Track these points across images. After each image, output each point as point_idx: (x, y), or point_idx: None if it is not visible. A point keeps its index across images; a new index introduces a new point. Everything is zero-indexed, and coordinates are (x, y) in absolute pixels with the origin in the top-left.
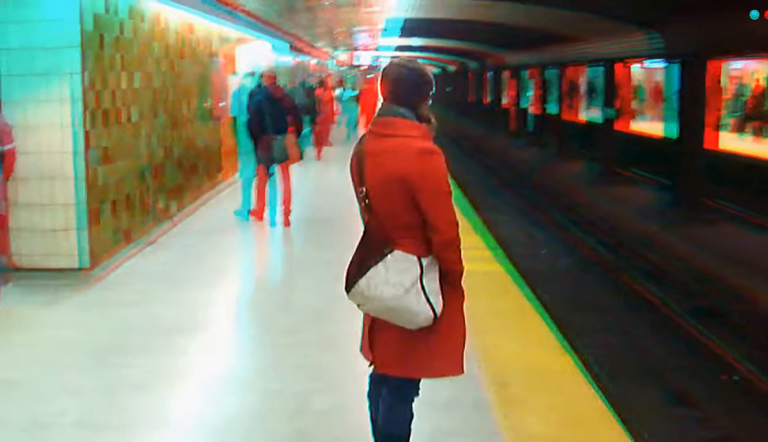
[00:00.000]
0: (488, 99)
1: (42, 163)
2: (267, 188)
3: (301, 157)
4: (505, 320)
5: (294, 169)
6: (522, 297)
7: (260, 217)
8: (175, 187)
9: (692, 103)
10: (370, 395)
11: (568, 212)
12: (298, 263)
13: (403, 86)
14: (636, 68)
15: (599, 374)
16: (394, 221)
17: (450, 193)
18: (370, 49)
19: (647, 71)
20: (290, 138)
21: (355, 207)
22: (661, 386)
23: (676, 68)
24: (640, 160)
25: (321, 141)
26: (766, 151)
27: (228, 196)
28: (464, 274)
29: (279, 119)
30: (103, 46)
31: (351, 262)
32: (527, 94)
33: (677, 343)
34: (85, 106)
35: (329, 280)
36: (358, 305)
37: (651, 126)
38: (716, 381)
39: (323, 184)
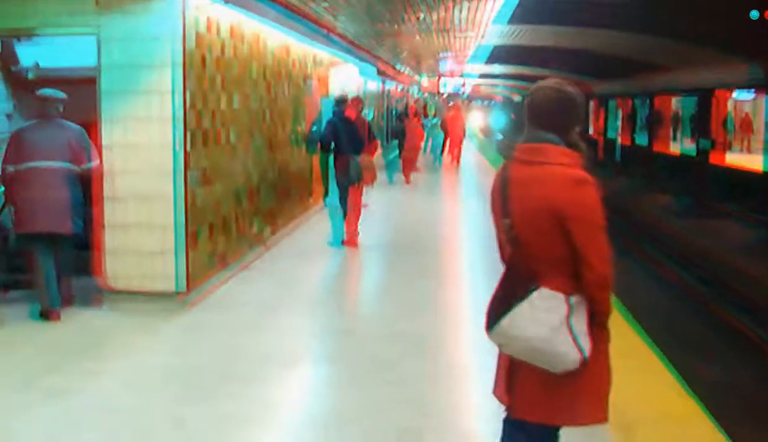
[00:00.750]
0: None
1: (141, 183)
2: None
3: (374, 178)
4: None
5: (382, 192)
6: (634, 334)
7: (353, 244)
8: (268, 211)
9: None
10: (503, 441)
11: (657, 243)
12: (391, 290)
13: (553, 110)
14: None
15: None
16: (541, 255)
17: (604, 226)
18: (455, 76)
19: (735, 103)
20: (365, 158)
21: (445, 230)
22: None
23: None
24: (737, 194)
25: (409, 166)
26: None
27: (318, 221)
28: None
29: (354, 139)
30: (205, 66)
31: (493, 298)
32: (615, 124)
33: None
34: (186, 126)
35: (425, 309)
36: (500, 346)
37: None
38: None
39: (411, 208)
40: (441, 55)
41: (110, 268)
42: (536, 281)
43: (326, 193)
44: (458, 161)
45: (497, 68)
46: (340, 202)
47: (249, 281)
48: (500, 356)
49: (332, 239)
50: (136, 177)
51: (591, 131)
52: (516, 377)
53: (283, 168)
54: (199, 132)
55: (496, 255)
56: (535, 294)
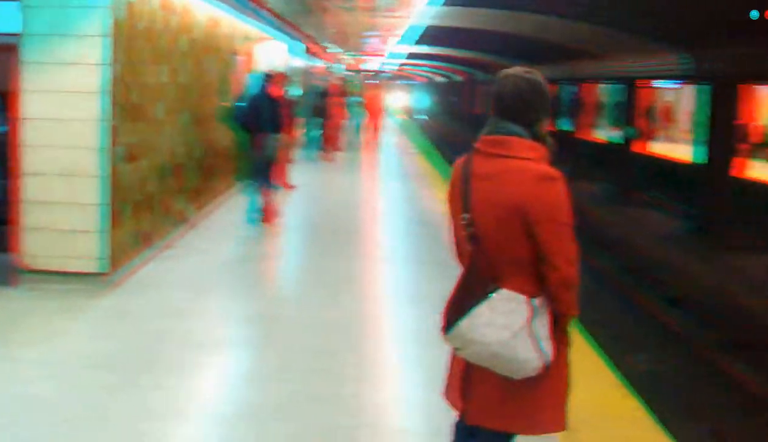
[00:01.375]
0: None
1: (64, 159)
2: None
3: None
4: None
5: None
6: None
7: (269, 222)
8: (193, 188)
9: (723, 128)
10: None
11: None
12: (314, 272)
13: (521, 101)
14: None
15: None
16: (503, 254)
17: (572, 225)
18: (380, 55)
19: (657, 92)
20: (283, 137)
21: (367, 211)
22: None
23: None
24: (660, 184)
25: (331, 144)
26: None
27: (243, 199)
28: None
29: (274, 117)
30: (134, 37)
31: (450, 299)
32: None
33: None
34: (114, 100)
35: (350, 293)
36: (456, 349)
37: (666, 148)
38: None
39: (333, 187)
40: (368, 33)
41: (28, 246)
42: (497, 281)
43: (242, 171)
44: (377, 140)
45: (425, 49)
46: (257, 179)
47: (173, 260)
48: (453, 358)
49: (247, 217)
50: (59, 152)
51: None
52: (471, 382)
53: (209, 145)
54: (127, 106)
55: (418, 239)
56: (495, 296)
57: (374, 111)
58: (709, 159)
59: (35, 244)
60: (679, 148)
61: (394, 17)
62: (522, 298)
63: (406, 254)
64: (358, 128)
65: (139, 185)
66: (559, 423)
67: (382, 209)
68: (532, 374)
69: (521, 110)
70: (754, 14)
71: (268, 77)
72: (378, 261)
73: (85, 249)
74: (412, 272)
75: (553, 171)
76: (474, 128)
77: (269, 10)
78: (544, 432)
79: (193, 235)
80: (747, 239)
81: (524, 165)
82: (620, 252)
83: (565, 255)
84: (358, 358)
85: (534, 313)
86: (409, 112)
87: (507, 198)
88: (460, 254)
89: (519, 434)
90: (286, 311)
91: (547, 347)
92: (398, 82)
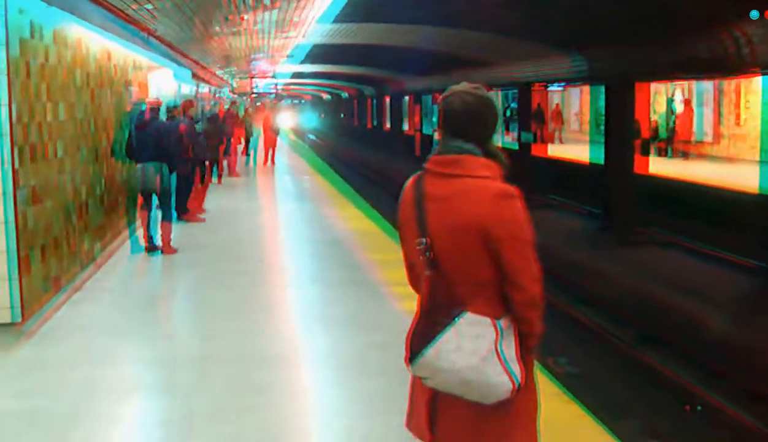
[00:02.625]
0: (388, 125)
1: None
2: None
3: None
4: None
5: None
6: None
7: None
8: (97, 226)
9: (620, 126)
10: None
11: None
12: (224, 304)
13: (471, 118)
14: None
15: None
16: (464, 277)
17: (533, 242)
18: (266, 76)
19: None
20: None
21: (269, 236)
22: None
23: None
24: (560, 186)
25: (229, 169)
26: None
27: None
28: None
29: (148, 146)
30: (29, 74)
31: (413, 327)
32: (433, 120)
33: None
34: (13, 142)
35: (265, 328)
36: (424, 379)
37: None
38: (681, 412)
39: (234, 212)
40: (255, 55)
41: None
42: (460, 305)
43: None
44: (273, 161)
45: (311, 67)
46: (144, 209)
47: (84, 303)
48: (416, 385)
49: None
50: None
51: (406, 127)
52: (439, 409)
53: (110, 180)
54: (26, 147)
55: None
56: (460, 320)
57: (267, 133)
58: (607, 158)
59: None
60: (573, 149)
61: (281, 38)
62: (487, 321)
63: (315, 275)
64: (252, 151)
65: (45, 228)
66: None
67: (286, 232)
68: (504, 397)
69: (471, 127)
70: (754, 14)
71: (154, 108)
72: (287, 286)
73: None
74: (321, 293)
75: (510, 188)
76: (365, 144)
77: (159, 38)
78: None
79: (101, 274)
80: (651, 234)
81: (480, 184)
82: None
83: (529, 274)
84: (297, 390)
85: (500, 335)
86: (298, 131)
87: (466, 219)
88: (415, 280)
89: None
90: (202, 349)
91: (516, 368)
92: (286, 102)
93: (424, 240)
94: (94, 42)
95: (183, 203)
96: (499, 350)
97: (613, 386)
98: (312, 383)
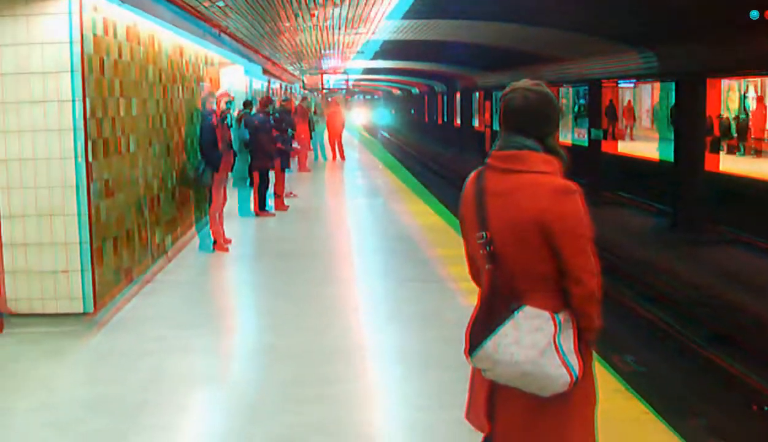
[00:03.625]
0: (458, 121)
1: (41, 199)
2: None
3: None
4: None
5: None
6: None
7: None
8: (169, 220)
9: (691, 123)
10: None
11: None
12: (295, 302)
13: (532, 115)
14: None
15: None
16: (524, 271)
17: (592, 238)
18: (338, 72)
19: (620, 91)
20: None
21: (342, 235)
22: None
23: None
24: (630, 183)
25: (299, 164)
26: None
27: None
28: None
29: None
30: (103, 70)
31: (473, 320)
32: None
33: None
34: (87, 136)
35: (345, 320)
36: (484, 371)
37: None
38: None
39: (305, 207)
40: (325, 51)
41: (10, 290)
42: (519, 298)
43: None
44: (342, 157)
45: (382, 64)
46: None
47: (155, 294)
48: (476, 378)
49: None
50: (35, 192)
51: (476, 123)
52: (497, 401)
53: (181, 174)
54: (100, 141)
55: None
56: (519, 313)
57: (334, 128)
58: (678, 155)
59: (17, 287)
60: (644, 146)
61: (351, 34)
62: (546, 314)
63: (384, 270)
64: (321, 146)
65: (117, 220)
66: (589, 438)
67: (356, 228)
68: (561, 390)
69: (532, 123)
70: (754, 14)
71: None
72: (356, 281)
73: (68, 289)
74: (390, 288)
75: (570, 184)
76: (435, 140)
77: (231, 35)
78: None
79: (172, 267)
80: (721, 232)
81: (540, 179)
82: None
83: (588, 268)
84: (363, 384)
85: (558, 328)
86: (371, 128)
87: (525, 214)
88: (476, 273)
89: None
90: (269, 342)
91: (574, 362)
92: (358, 98)
93: (484, 234)
94: (166, 38)
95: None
96: (557, 343)
97: (678, 384)
98: (378, 377)
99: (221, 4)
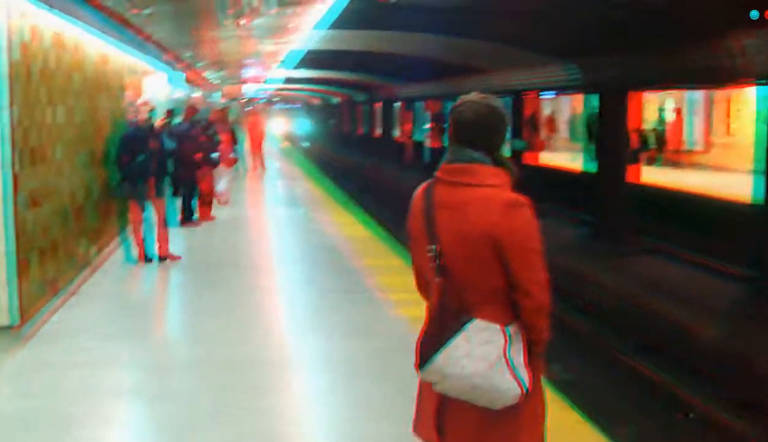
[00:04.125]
0: (379, 132)
1: None
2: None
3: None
4: None
5: None
6: None
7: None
8: (93, 229)
9: (613, 135)
10: None
11: None
12: (221, 312)
13: (482, 128)
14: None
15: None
16: (474, 284)
17: (542, 251)
18: (259, 81)
19: (540, 103)
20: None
21: (267, 244)
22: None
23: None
24: (552, 194)
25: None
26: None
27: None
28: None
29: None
30: (30, 78)
31: (423, 333)
32: (424, 127)
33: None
34: (14, 145)
35: (262, 329)
36: (434, 384)
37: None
38: (673, 420)
39: (225, 219)
40: (247, 60)
41: None
42: (469, 311)
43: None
44: (263, 166)
45: (304, 73)
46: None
47: (80, 306)
48: (423, 390)
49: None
50: None
51: (397, 134)
52: (447, 414)
53: (105, 183)
54: (27, 150)
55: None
56: (469, 326)
57: (256, 138)
58: (600, 166)
59: None
60: (564, 158)
61: (276, 43)
62: (496, 327)
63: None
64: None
65: (43, 231)
66: None
67: (282, 236)
68: (511, 403)
69: (482, 136)
70: (754, 14)
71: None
72: (282, 291)
73: None
74: (315, 299)
75: (519, 197)
76: (354, 150)
77: (155, 42)
78: None
79: (97, 278)
80: (644, 243)
81: (490, 193)
82: None
83: (538, 281)
84: (288, 395)
85: (509, 341)
86: (290, 137)
87: (476, 227)
88: (424, 286)
89: None
90: (195, 353)
91: (524, 374)
92: (277, 107)
93: (434, 247)
94: (91, 46)
95: (188, 208)
96: (507, 356)
97: (607, 393)
98: (307, 388)
99: (148, 12)
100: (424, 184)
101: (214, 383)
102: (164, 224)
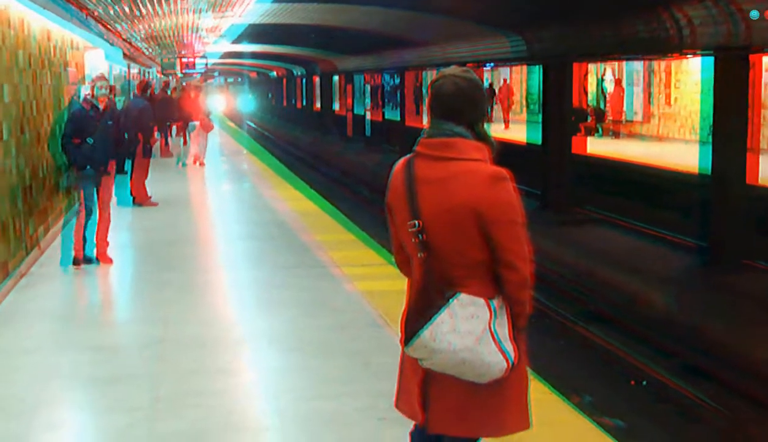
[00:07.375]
0: (318, 105)
1: None
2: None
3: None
4: None
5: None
6: None
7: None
8: (41, 210)
9: (557, 106)
10: None
11: None
12: (177, 291)
13: (463, 101)
14: None
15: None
16: (458, 258)
17: (525, 224)
18: (198, 56)
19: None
20: None
21: (204, 233)
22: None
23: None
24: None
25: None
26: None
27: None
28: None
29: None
30: None
31: (407, 310)
32: (365, 101)
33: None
34: None
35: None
36: (420, 361)
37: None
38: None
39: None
40: (187, 34)
41: None
42: (453, 286)
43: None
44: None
45: (243, 47)
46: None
47: (32, 288)
48: (406, 366)
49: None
50: None
51: (337, 107)
52: (431, 390)
53: (51, 163)
54: None
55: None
56: (454, 301)
57: (195, 112)
58: (545, 138)
59: None
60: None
61: (217, 17)
62: (481, 301)
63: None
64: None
65: None
66: (524, 422)
67: (230, 214)
68: (498, 376)
69: (463, 110)
70: (754, 14)
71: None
72: (238, 269)
73: None
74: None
75: (502, 171)
76: (295, 124)
77: (96, 18)
78: (510, 432)
79: (45, 259)
80: (589, 213)
81: (473, 167)
82: None
83: (522, 255)
84: (246, 374)
85: (494, 315)
86: (231, 113)
87: (460, 201)
88: (404, 262)
89: (485, 437)
90: (163, 333)
91: (509, 347)
92: (216, 82)
93: (416, 222)
94: (35, 22)
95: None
96: (493, 329)
97: (561, 363)
98: (274, 365)
99: None
100: (402, 160)
101: (180, 364)
102: (107, 220)
